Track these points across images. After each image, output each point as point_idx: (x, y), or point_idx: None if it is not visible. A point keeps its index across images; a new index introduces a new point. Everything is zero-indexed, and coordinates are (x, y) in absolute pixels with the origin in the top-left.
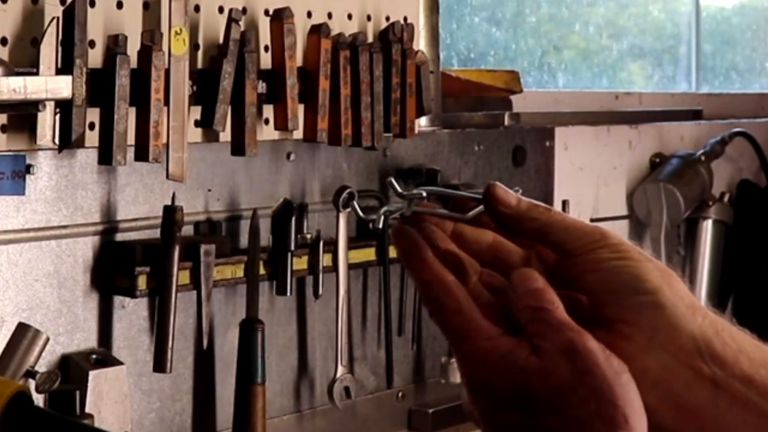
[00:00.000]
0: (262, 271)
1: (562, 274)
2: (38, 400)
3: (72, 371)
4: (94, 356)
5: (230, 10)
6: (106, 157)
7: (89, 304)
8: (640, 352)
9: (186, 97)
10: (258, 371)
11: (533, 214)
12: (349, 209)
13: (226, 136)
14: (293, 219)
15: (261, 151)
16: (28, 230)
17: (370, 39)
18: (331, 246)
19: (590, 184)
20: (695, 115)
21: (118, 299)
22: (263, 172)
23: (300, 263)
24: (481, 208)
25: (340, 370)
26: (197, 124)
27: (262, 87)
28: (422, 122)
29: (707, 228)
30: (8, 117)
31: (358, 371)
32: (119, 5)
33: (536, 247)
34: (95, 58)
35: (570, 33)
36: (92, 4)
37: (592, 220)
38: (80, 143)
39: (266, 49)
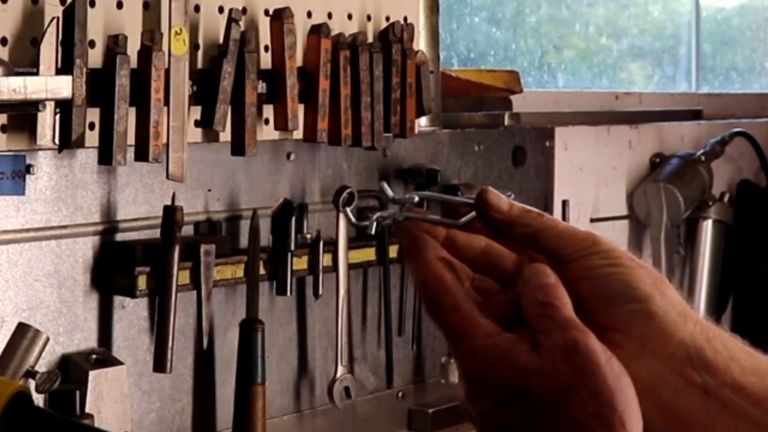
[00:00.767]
0: (262, 271)
1: None
2: (38, 400)
3: (72, 371)
4: (94, 356)
5: (230, 10)
6: (106, 157)
7: (89, 304)
8: (631, 359)
9: (186, 97)
10: (258, 371)
11: (525, 219)
12: (349, 209)
13: (226, 136)
14: (293, 219)
15: (261, 151)
16: (28, 230)
17: (370, 39)
18: (331, 246)
19: (590, 184)
20: (695, 115)
21: (118, 299)
22: (263, 172)
23: (300, 263)
24: (473, 213)
25: (340, 370)
26: (197, 124)
27: (262, 87)
28: (422, 122)
29: (707, 228)
30: (8, 117)
31: (358, 371)
32: (119, 5)
33: (529, 253)
34: (95, 58)
35: (570, 33)
36: (92, 4)
37: (592, 220)
38: (80, 143)
39: (266, 49)
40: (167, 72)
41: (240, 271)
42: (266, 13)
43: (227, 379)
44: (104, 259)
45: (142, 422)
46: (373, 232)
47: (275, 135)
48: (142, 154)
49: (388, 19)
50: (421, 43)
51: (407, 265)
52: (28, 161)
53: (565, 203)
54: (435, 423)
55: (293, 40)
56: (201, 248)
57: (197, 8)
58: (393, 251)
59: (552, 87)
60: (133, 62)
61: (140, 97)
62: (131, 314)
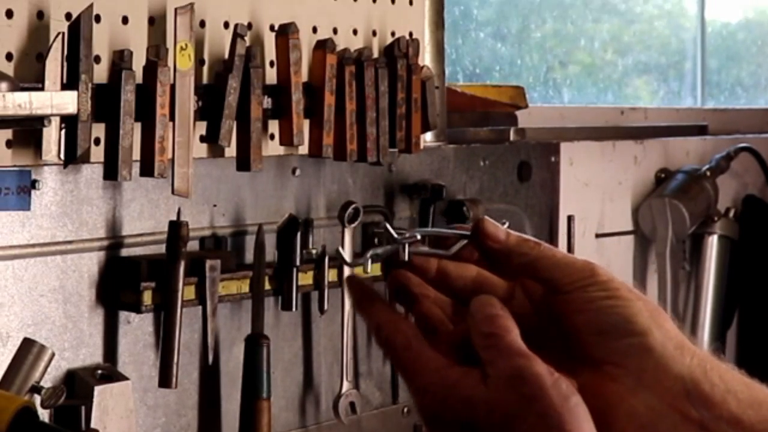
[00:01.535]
0: (267, 286)
1: (549, 310)
2: (44, 415)
3: (77, 386)
4: (99, 371)
5: (235, 26)
6: (111, 172)
7: (94, 319)
8: (628, 393)
9: (191, 113)
10: (263, 386)
11: (523, 248)
12: (354, 224)
13: (231, 151)
14: (299, 234)
15: (266, 166)
16: (33, 245)
17: (376, 54)
18: (337, 261)
19: (595, 199)
20: (701, 130)
21: (123, 314)
22: (268, 187)
23: (305, 278)
24: (463, 242)
25: (346, 385)
26: (203, 139)
27: (267, 102)
28: (428, 137)
29: (713, 243)
30: (13, 132)
31: (364, 386)
32: (124, 20)
33: (523, 282)
34: (100, 73)
35: (575, 48)
36: (97, 20)
37: (597, 236)
38: (85, 158)
39: (272, 64)
40: (173, 87)
41: (245, 287)
42: (272, 28)
43: (233, 395)
44: (110, 275)
45: None
46: (368, 270)
47: (281, 150)
48: (147, 170)
49: (393, 34)
50: (426, 58)
51: (360, 315)
52: (33, 176)
53: (570, 218)
54: None
55: (299, 56)
56: (206, 263)
57: (203, 23)
58: None
59: (557, 102)
60: (139, 77)
61: (146, 113)
62: (137, 329)
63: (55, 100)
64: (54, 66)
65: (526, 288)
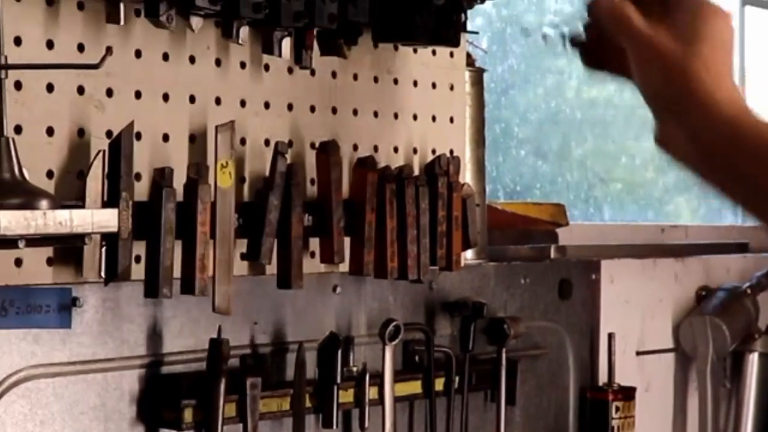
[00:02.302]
0: (308, 403)
1: None
2: None
3: None
4: None
5: (276, 143)
6: (152, 290)
7: None
8: None
9: (232, 231)
10: None
11: None
12: (395, 342)
13: (272, 268)
14: (339, 352)
15: (307, 283)
16: (74, 363)
17: (417, 172)
18: (377, 379)
19: (636, 316)
20: (741, 248)
21: None
22: (309, 305)
23: (346, 396)
24: None
25: None
26: (243, 257)
27: (308, 220)
28: (468, 255)
29: (753, 361)
30: (54, 250)
31: None
32: (165, 138)
33: None
34: (141, 190)
35: (616, 166)
36: (138, 137)
37: (638, 353)
38: (126, 276)
39: (312, 181)
40: (213, 205)
41: (286, 404)
42: (312, 146)
43: None
44: (150, 392)
45: None
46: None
47: (321, 268)
48: (188, 287)
49: (434, 151)
50: (467, 175)
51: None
52: (74, 294)
53: (611, 336)
54: None
55: (339, 173)
56: (247, 381)
57: (243, 141)
58: (439, 384)
59: (598, 220)
60: (179, 195)
61: (186, 230)
62: None
63: (95, 218)
64: (95, 183)
65: None
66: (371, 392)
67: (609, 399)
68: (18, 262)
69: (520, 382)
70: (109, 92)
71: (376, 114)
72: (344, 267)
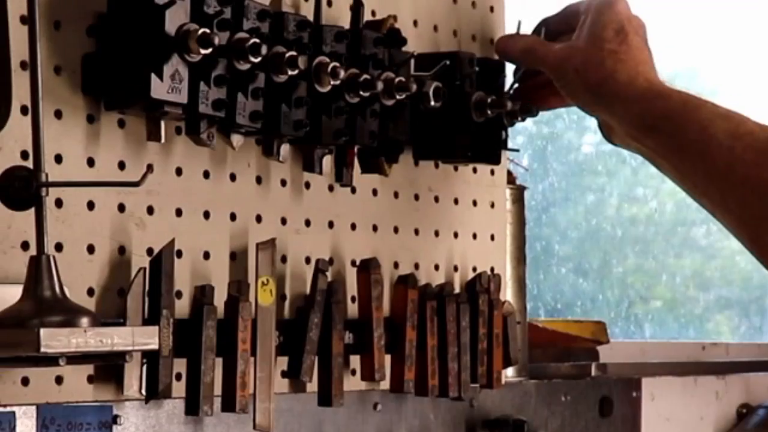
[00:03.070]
0: None
1: None
2: None
3: None
4: None
5: (317, 261)
6: (192, 407)
7: None
8: None
9: (273, 348)
10: None
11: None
12: None
13: (312, 386)
14: None
15: (348, 401)
16: None
17: (457, 289)
18: None
19: None
20: None
21: None
22: (350, 422)
23: None
24: None
25: None
26: (284, 374)
27: (348, 337)
28: (509, 373)
29: None
30: (95, 367)
31: None
32: (206, 256)
33: None
34: (182, 308)
35: (657, 284)
36: (179, 255)
37: None
38: (167, 394)
39: (353, 299)
40: (254, 322)
41: None
42: (353, 263)
43: None
44: None
45: None
46: None
47: (362, 385)
48: (229, 405)
49: (475, 269)
50: (508, 293)
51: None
52: (114, 411)
53: None
54: None
55: (380, 291)
56: None
57: (284, 259)
58: None
59: (639, 337)
60: (220, 313)
61: (227, 348)
62: None
63: (136, 336)
64: (135, 301)
65: None
66: None
67: None
68: (59, 380)
69: None
70: (150, 210)
71: (416, 231)
72: (385, 384)
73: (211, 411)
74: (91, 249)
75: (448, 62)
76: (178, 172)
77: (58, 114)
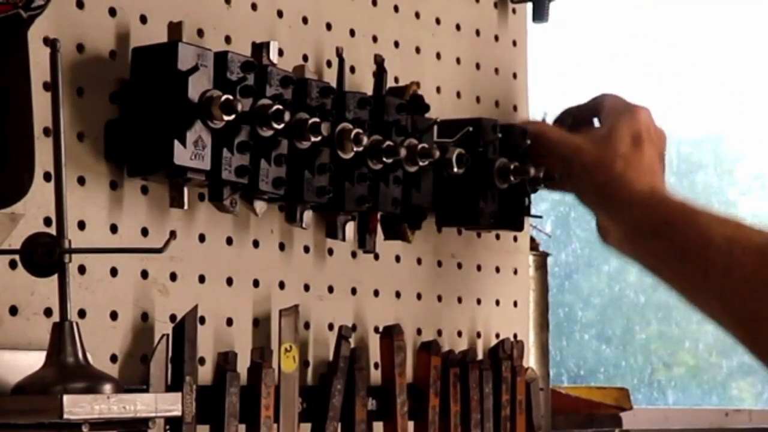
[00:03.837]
0: None
1: None
2: None
3: None
4: None
5: (340, 327)
6: None
7: None
8: None
9: (296, 415)
10: None
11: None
12: None
13: None
14: None
15: None
16: None
17: (480, 356)
18: None
19: None
20: None
21: None
22: None
23: None
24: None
25: None
26: None
27: (372, 404)
28: None
29: None
30: None
31: None
32: (229, 322)
33: None
34: (205, 374)
35: (680, 350)
36: (202, 321)
37: None
38: None
39: (376, 366)
40: (277, 389)
41: None
42: (376, 330)
43: None
44: None
45: None
46: None
47: None
48: None
49: (497, 335)
50: (531, 359)
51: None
52: None
53: None
54: None
55: (403, 357)
56: None
57: (307, 325)
58: None
59: (662, 404)
60: (243, 379)
61: (250, 414)
62: None
63: (159, 403)
64: (158, 368)
65: None
66: None
67: None
68: None
69: None
70: (173, 276)
71: (439, 298)
72: None
73: None
74: (114, 315)
75: (471, 129)
76: (201, 238)
77: (81, 180)
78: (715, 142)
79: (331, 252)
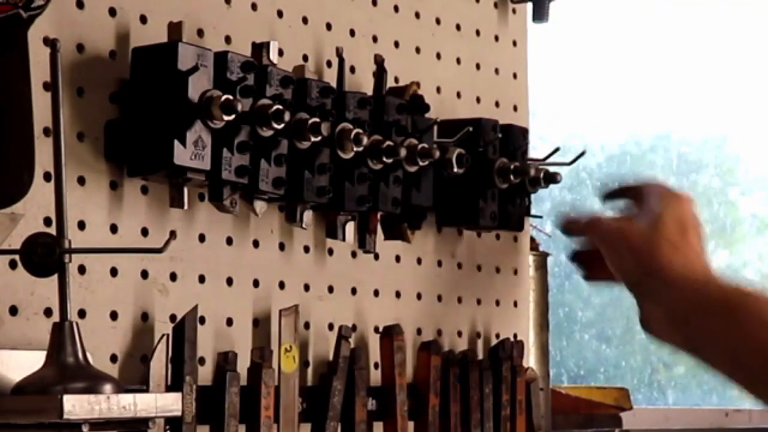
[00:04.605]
0: None
1: None
2: None
3: None
4: None
5: (340, 327)
6: None
7: None
8: None
9: (296, 415)
10: None
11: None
12: None
13: None
14: None
15: None
16: None
17: (480, 356)
18: None
19: None
20: None
21: None
22: None
23: None
24: None
25: None
26: None
27: (371, 404)
28: None
29: None
30: None
31: None
32: (229, 322)
33: None
34: (205, 374)
35: None
36: (202, 321)
37: None
38: None
39: (376, 366)
40: (277, 389)
41: None
42: (376, 330)
43: None
44: None
45: None
46: None
47: None
48: None
49: (498, 336)
50: (531, 360)
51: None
52: None
53: None
54: None
55: (403, 357)
56: None
57: (307, 325)
58: None
59: (662, 404)
60: (243, 379)
61: (250, 414)
62: None
63: (159, 402)
64: (158, 367)
65: None
66: None
67: None
68: None
69: None
70: (173, 276)
71: (439, 298)
72: None
73: None
74: (114, 315)
75: (471, 129)
76: (201, 238)
77: (81, 180)
78: (716, 142)
79: (331, 252)
